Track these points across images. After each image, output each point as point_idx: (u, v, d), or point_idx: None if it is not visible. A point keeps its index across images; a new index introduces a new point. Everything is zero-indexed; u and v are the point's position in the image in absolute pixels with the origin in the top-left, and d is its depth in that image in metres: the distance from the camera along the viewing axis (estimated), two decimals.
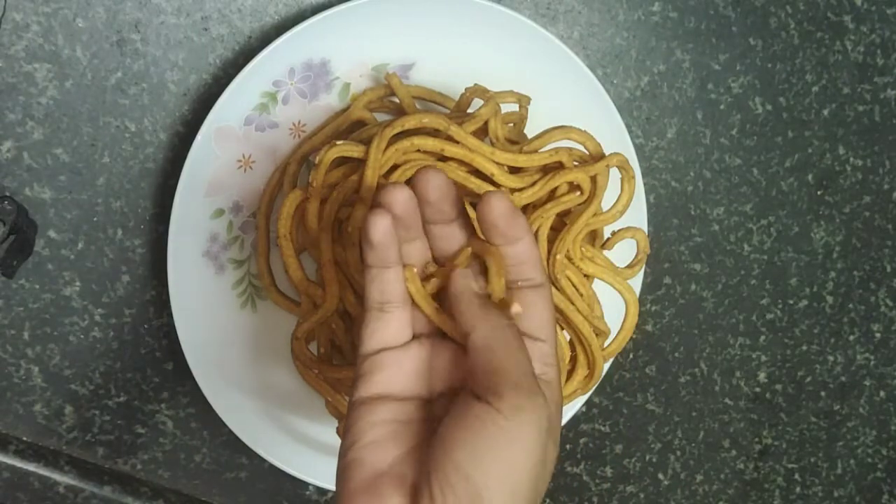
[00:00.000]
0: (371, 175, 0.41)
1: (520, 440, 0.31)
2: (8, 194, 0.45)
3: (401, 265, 0.35)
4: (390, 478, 0.32)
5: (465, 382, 0.34)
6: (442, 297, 0.36)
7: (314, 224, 0.42)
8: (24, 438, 0.48)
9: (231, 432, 0.47)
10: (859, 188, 0.60)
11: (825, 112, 0.58)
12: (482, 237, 0.36)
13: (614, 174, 0.46)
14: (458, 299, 0.35)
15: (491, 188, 0.42)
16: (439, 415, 0.34)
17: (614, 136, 0.49)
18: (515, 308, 0.35)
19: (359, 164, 0.42)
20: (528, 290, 0.35)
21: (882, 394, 0.63)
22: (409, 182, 0.35)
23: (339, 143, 0.41)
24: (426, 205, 0.35)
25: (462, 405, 0.32)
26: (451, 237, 0.36)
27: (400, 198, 0.34)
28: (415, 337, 0.36)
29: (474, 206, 0.44)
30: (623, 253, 0.48)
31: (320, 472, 0.49)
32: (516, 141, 0.46)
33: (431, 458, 0.31)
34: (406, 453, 0.33)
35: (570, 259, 0.45)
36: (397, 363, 0.35)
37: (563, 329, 0.47)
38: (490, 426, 0.31)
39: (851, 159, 0.59)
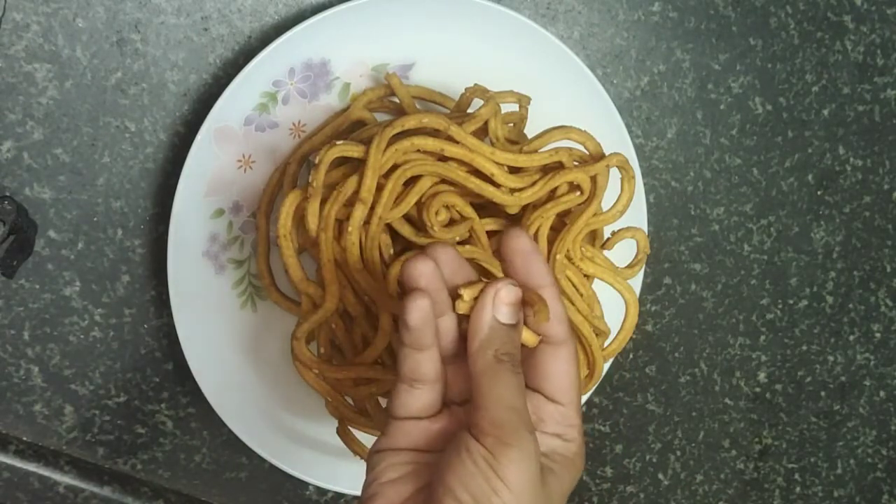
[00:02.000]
0: (371, 175, 0.41)
1: (508, 479, 0.31)
2: (8, 194, 0.45)
3: (435, 347, 0.34)
4: None
5: None
6: None
7: (314, 224, 0.42)
8: (24, 438, 0.48)
9: (231, 432, 0.47)
10: (859, 188, 0.60)
11: (825, 112, 0.58)
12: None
13: (614, 174, 0.46)
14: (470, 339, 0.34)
15: (492, 191, 0.42)
16: None
17: (614, 136, 0.49)
18: (528, 340, 0.34)
19: (359, 164, 0.42)
20: (551, 347, 0.35)
21: (882, 394, 0.63)
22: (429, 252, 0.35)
23: (338, 143, 0.41)
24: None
25: (458, 439, 0.32)
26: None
27: (424, 270, 0.33)
28: (446, 406, 0.35)
29: (476, 207, 0.44)
30: (623, 253, 0.48)
31: (320, 472, 0.49)
32: (516, 141, 0.46)
33: (433, 489, 0.32)
34: (420, 489, 0.33)
35: (570, 259, 0.45)
36: (424, 431, 0.35)
37: None
38: (480, 462, 0.31)
39: (851, 159, 0.60)
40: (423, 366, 0.34)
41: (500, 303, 0.34)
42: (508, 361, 0.33)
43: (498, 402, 0.32)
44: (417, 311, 0.33)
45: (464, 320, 0.35)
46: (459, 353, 0.35)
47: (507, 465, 0.31)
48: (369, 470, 0.34)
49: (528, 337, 0.35)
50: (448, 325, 0.35)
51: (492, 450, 0.31)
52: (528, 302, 0.34)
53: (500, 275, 0.39)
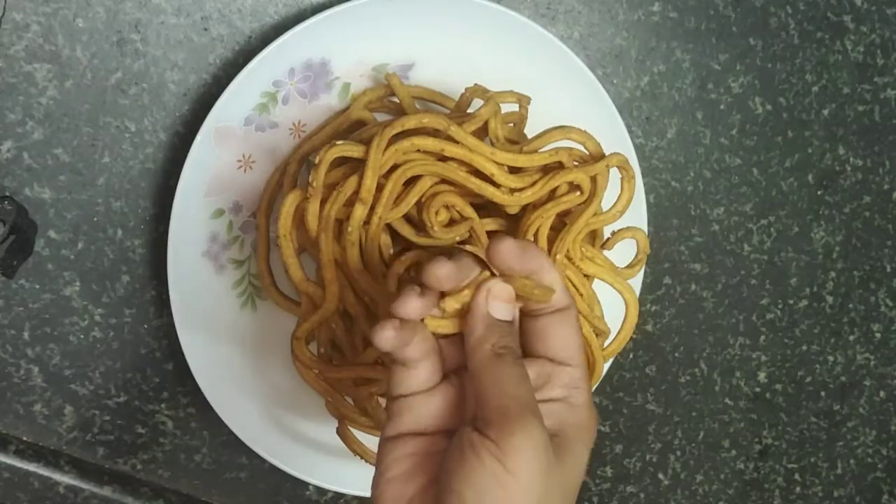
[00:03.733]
0: (371, 175, 0.41)
1: (515, 470, 0.30)
2: (8, 194, 0.45)
3: (425, 329, 0.34)
4: None
5: None
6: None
7: (314, 224, 0.42)
8: (24, 438, 0.48)
9: (231, 432, 0.47)
10: (859, 188, 0.60)
11: (825, 112, 0.58)
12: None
13: (614, 174, 0.46)
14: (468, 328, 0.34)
15: (493, 191, 0.42)
16: None
17: (614, 136, 0.49)
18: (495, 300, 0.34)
19: (359, 164, 0.42)
20: (552, 314, 0.35)
21: (882, 394, 0.63)
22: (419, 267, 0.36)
23: (339, 143, 0.41)
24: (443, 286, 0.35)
25: (459, 435, 0.32)
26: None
27: (413, 309, 0.33)
28: (445, 377, 0.35)
29: (475, 207, 0.44)
30: (623, 253, 0.48)
31: (320, 472, 0.49)
32: (516, 141, 0.46)
33: (438, 488, 0.31)
34: (424, 487, 0.33)
35: (569, 259, 0.45)
36: (426, 405, 0.34)
37: None
38: (484, 454, 0.30)
39: (851, 159, 0.59)
40: (416, 348, 0.34)
41: (494, 300, 0.34)
42: (508, 354, 0.33)
43: (500, 392, 0.32)
44: (386, 336, 0.33)
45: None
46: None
47: (514, 454, 0.30)
48: (377, 464, 0.34)
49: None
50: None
51: (496, 440, 0.30)
52: (525, 296, 0.34)
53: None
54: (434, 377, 0.35)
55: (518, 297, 0.35)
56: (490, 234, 0.45)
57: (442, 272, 0.33)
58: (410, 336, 0.33)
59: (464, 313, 0.35)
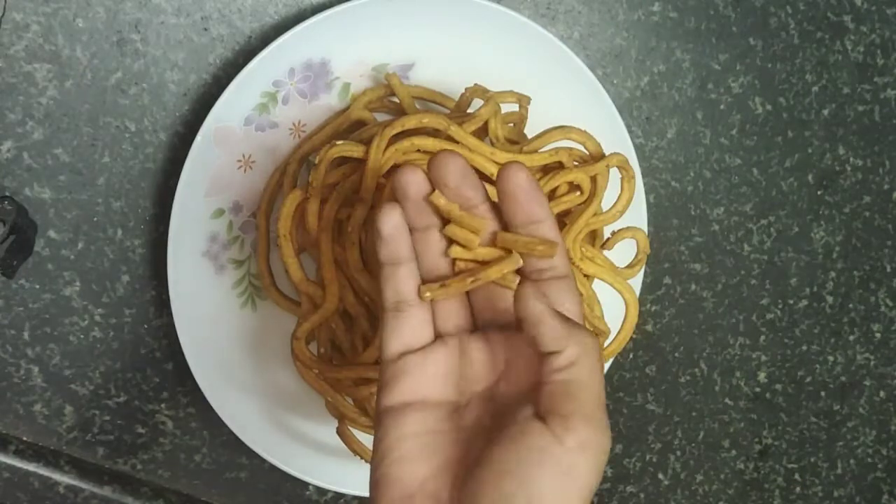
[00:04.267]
0: (371, 175, 0.41)
1: (577, 478, 0.29)
2: (8, 194, 0.45)
3: (414, 261, 0.33)
4: (423, 497, 0.30)
5: (505, 387, 0.33)
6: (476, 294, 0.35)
7: (314, 224, 0.42)
8: (24, 438, 0.48)
9: (231, 432, 0.47)
10: (859, 188, 0.60)
11: (825, 112, 0.58)
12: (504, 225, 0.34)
13: (614, 174, 0.46)
14: (539, 322, 0.31)
15: (492, 189, 0.42)
16: (470, 422, 0.32)
17: (614, 136, 0.49)
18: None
19: (359, 164, 0.42)
20: (551, 281, 0.33)
21: (882, 394, 0.63)
22: (429, 163, 0.33)
23: (339, 143, 0.41)
24: (445, 190, 0.33)
25: (520, 427, 0.30)
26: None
27: (413, 180, 0.33)
28: (439, 337, 0.34)
29: None
30: (623, 253, 0.48)
31: (320, 472, 0.49)
32: (516, 141, 0.46)
33: (479, 482, 0.29)
34: (439, 469, 0.31)
35: (570, 259, 0.45)
36: (421, 367, 0.33)
37: None
38: (549, 460, 0.29)
39: (851, 159, 0.59)
40: (405, 283, 0.33)
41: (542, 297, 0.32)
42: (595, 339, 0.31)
43: (593, 397, 0.30)
44: (391, 218, 0.32)
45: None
46: (447, 276, 0.34)
47: (586, 454, 0.29)
48: (376, 445, 0.32)
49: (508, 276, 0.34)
50: (434, 242, 0.34)
51: (573, 447, 0.29)
52: (527, 252, 0.33)
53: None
54: (426, 331, 0.33)
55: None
56: None
57: (413, 179, 0.32)
58: (407, 234, 0.32)
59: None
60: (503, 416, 0.32)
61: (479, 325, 0.35)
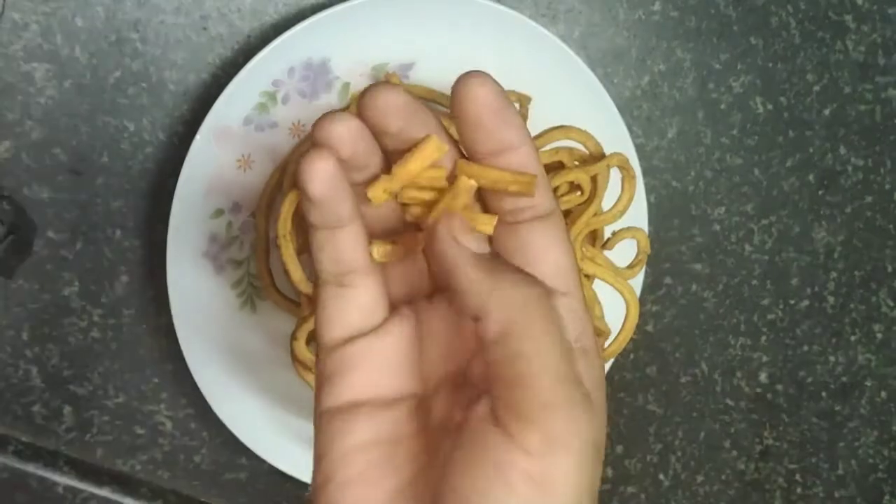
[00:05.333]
0: None
1: (557, 488, 0.21)
2: (6, 194, 0.45)
3: (358, 221, 0.25)
4: None
5: (478, 367, 0.25)
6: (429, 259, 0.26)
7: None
8: (23, 439, 0.48)
9: (230, 433, 0.47)
10: (860, 188, 0.60)
11: (826, 112, 0.58)
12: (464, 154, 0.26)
13: (615, 174, 0.46)
14: (454, 267, 0.24)
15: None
16: (439, 419, 0.25)
17: (615, 135, 0.49)
18: (482, 227, 0.25)
19: None
20: (532, 222, 0.25)
21: (883, 394, 0.63)
22: (359, 104, 0.25)
23: None
24: (385, 137, 0.25)
25: (472, 436, 0.23)
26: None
27: (346, 133, 0.24)
28: (392, 308, 0.26)
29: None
30: (624, 253, 0.48)
31: None
32: None
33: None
34: (401, 488, 0.24)
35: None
36: (372, 354, 0.25)
37: None
38: (515, 476, 0.21)
39: (853, 159, 0.59)
40: (349, 250, 0.25)
41: (465, 235, 0.25)
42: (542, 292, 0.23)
43: (544, 371, 0.22)
44: (321, 171, 0.23)
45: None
46: (400, 230, 0.26)
47: (560, 472, 0.22)
48: (317, 461, 0.25)
49: (483, 223, 0.26)
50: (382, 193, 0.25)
51: (538, 452, 0.21)
52: (499, 189, 0.25)
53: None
54: (379, 308, 0.26)
55: (488, 194, 0.26)
56: None
57: (344, 131, 0.24)
58: (347, 189, 0.24)
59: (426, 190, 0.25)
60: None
61: (439, 286, 0.27)
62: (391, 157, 0.26)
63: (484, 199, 0.26)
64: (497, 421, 0.22)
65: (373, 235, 0.26)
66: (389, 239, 0.26)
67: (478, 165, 0.25)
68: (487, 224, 0.26)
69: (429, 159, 0.25)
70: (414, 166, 0.25)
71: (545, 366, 0.22)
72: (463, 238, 0.24)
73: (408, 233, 0.26)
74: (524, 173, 0.25)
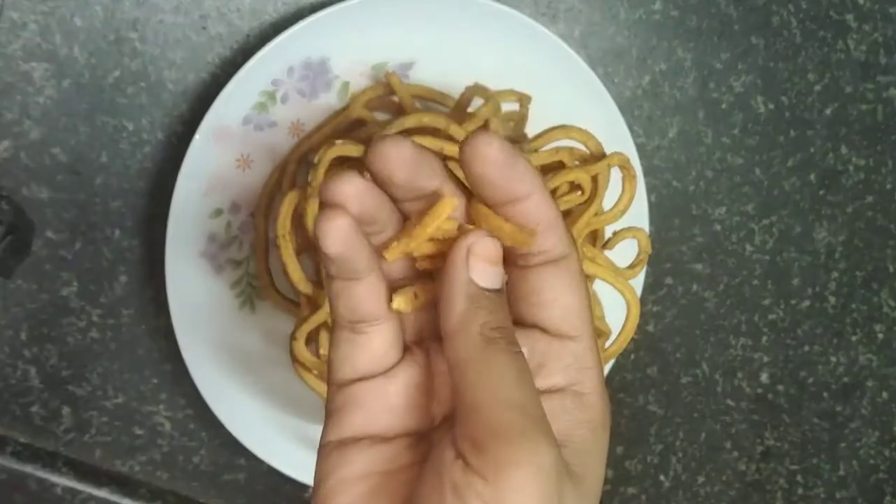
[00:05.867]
0: None
1: None
2: (5, 194, 0.45)
3: (376, 271, 0.25)
4: None
5: None
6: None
7: (313, 224, 0.42)
8: (22, 440, 0.48)
9: (229, 433, 0.47)
10: (862, 188, 0.60)
11: (827, 111, 0.58)
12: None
13: (615, 174, 0.46)
14: (447, 287, 0.25)
15: None
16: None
17: (615, 135, 0.49)
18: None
19: (358, 163, 0.42)
20: (544, 267, 0.26)
21: (885, 395, 0.63)
22: (366, 157, 0.25)
23: (338, 142, 0.41)
24: (393, 188, 0.25)
25: (437, 458, 0.23)
26: None
27: (353, 193, 0.24)
28: (407, 348, 0.27)
29: None
30: (624, 253, 0.48)
31: None
32: (517, 140, 0.46)
33: None
34: None
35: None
36: (380, 397, 0.26)
37: None
38: (468, 494, 0.22)
39: (854, 159, 0.59)
40: (365, 300, 0.25)
41: (478, 262, 0.25)
42: (502, 338, 0.24)
43: (494, 400, 0.23)
44: (337, 232, 0.24)
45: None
46: (414, 277, 0.27)
47: (515, 496, 0.22)
48: (316, 484, 0.26)
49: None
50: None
51: (492, 478, 0.22)
52: (505, 240, 0.26)
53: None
54: (391, 354, 0.26)
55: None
56: None
57: (350, 191, 0.24)
58: (363, 244, 0.24)
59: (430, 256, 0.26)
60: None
61: None
62: (401, 209, 0.26)
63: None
64: (456, 445, 0.23)
65: (386, 281, 0.27)
66: (408, 287, 0.27)
67: (483, 210, 0.26)
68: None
69: (443, 217, 0.26)
70: (430, 228, 0.26)
71: (495, 394, 0.23)
72: (474, 262, 0.25)
73: (425, 281, 0.27)
74: (524, 228, 0.25)
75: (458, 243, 0.25)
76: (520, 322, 0.26)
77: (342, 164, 0.43)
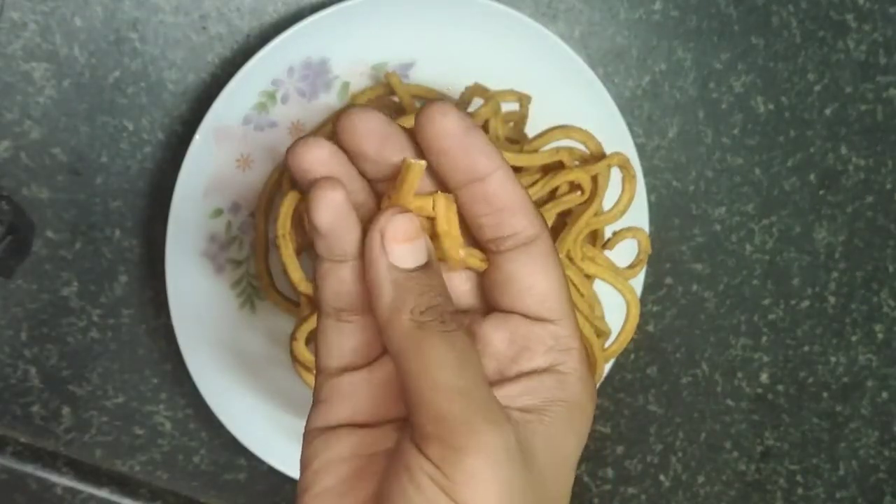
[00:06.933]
0: None
1: (463, 494, 0.22)
2: (5, 194, 0.45)
3: (359, 259, 0.25)
4: None
5: None
6: None
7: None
8: (22, 440, 0.48)
9: (229, 433, 0.47)
10: (861, 188, 0.60)
11: (827, 111, 0.58)
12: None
13: (615, 174, 0.46)
14: (371, 273, 0.24)
15: None
16: None
17: (615, 135, 0.49)
18: (472, 262, 0.25)
19: None
20: (515, 251, 0.25)
21: (884, 395, 0.63)
22: (335, 129, 0.25)
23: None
24: (363, 161, 0.25)
25: (398, 450, 0.24)
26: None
27: (320, 158, 0.24)
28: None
29: None
30: (624, 253, 0.48)
31: None
32: (517, 140, 0.46)
33: None
34: (374, 498, 0.24)
35: (570, 259, 0.45)
36: (364, 388, 0.26)
37: None
38: (425, 485, 0.22)
39: (854, 159, 0.59)
40: (347, 285, 0.25)
41: (394, 244, 0.24)
42: (434, 320, 0.23)
43: (435, 389, 0.22)
44: (329, 205, 0.24)
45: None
46: None
47: (466, 482, 0.22)
48: (301, 472, 0.26)
49: (472, 260, 0.26)
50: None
51: (440, 464, 0.22)
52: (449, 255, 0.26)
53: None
54: (374, 345, 0.26)
55: (470, 223, 0.25)
56: None
57: (314, 156, 0.24)
58: (355, 223, 0.24)
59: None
60: None
61: None
62: (374, 187, 0.26)
63: (466, 228, 0.26)
64: (410, 434, 0.23)
65: None
66: None
67: (443, 216, 0.25)
68: (480, 261, 0.26)
69: (415, 182, 0.25)
70: (405, 195, 0.25)
71: (435, 383, 0.23)
72: (390, 245, 0.24)
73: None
74: (474, 255, 0.25)
75: (370, 229, 0.24)
76: (499, 308, 0.26)
77: None
